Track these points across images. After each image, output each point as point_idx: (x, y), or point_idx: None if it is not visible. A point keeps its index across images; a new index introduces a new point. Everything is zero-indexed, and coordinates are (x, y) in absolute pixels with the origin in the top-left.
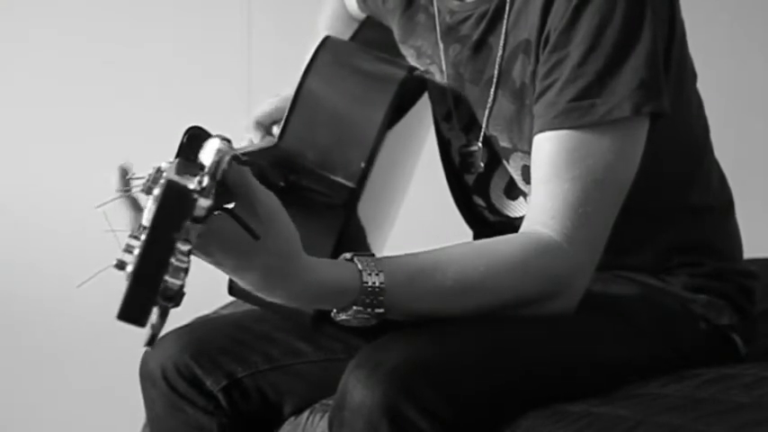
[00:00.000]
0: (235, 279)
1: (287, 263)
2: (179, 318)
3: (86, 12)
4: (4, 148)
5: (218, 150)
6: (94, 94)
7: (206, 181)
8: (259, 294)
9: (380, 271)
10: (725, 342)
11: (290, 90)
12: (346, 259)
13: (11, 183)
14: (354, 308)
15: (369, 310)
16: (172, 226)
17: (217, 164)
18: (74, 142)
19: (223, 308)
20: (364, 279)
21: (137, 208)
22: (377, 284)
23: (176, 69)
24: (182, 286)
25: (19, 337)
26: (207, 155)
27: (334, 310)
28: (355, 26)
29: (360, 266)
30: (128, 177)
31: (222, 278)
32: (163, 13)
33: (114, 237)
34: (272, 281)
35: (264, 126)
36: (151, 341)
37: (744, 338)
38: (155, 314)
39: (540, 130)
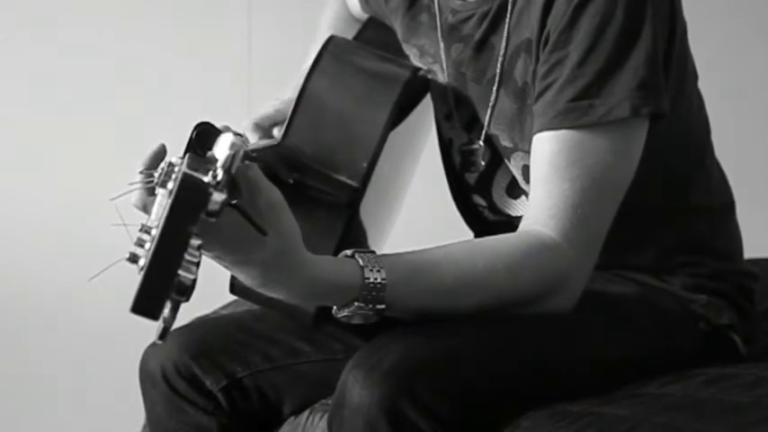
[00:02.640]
0: (235, 274)
1: (288, 258)
2: (179, 317)
3: (86, 12)
4: (7, 149)
5: (233, 144)
6: (95, 93)
7: (220, 175)
8: (260, 290)
9: (382, 267)
10: (725, 342)
11: (290, 93)
12: (347, 256)
13: (15, 183)
14: (356, 304)
15: (370, 306)
16: (187, 219)
17: (232, 158)
18: (74, 141)
19: (223, 308)
20: (366, 275)
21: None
22: (378, 280)
23: (176, 69)
24: (194, 280)
25: (18, 338)
26: (221, 149)
27: (335, 307)
28: (357, 27)
29: (361, 263)
30: (140, 171)
31: (222, 278)
32: (163, 12)
33: (126, 230)
34: (273, 276)
35: (263, 128)
36: (163, 335)
37: (744, 338)
38: (167, 308)
39: (540, 130)
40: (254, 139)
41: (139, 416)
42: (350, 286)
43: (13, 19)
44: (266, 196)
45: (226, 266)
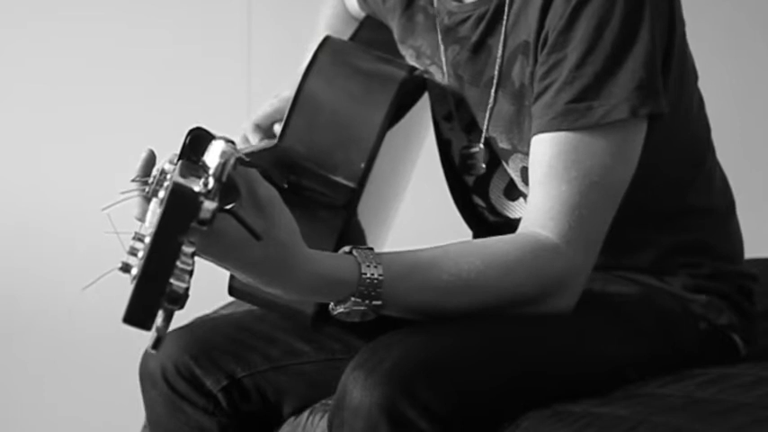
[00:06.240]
0: (234, 274)
1: (288, 253)
2: (179, 318)
3: (86, 12)
4: (4, 149)
5: (223, 152)
6: (95, 94)
7: (211, 183)
8: (258, 286)
9: (379, 263)
10: (725, 342)
11: (288, 91)
12: (345, 252)
13: (11, 185)
14: (352, 299)
15: (366, 302)
16: (177, 229)
17: (222, 166)
18: (74, 144)
19: (223, 308)
20: (363, 270)
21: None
22: (375, 276)
23: (176, 69)
24: (187, 289)
25: (19, 339)
26: (212, 157)
27: (332, 304)
28: (355, 25)
29: (359, 258)
30: (133, 179)
31: (222, 278)
32: (163, 13)
33: (118, 239)
34: (272, 271)
35: (264, 128)
36: (157, 344)
37: (744, 338)
38: (159, 317)
39: (538, 132)
40: (255, 140)
41: (139, 416)
42: (347, 281)
43: (12, 19)
44: (265, 189)
45: (226, 268)
